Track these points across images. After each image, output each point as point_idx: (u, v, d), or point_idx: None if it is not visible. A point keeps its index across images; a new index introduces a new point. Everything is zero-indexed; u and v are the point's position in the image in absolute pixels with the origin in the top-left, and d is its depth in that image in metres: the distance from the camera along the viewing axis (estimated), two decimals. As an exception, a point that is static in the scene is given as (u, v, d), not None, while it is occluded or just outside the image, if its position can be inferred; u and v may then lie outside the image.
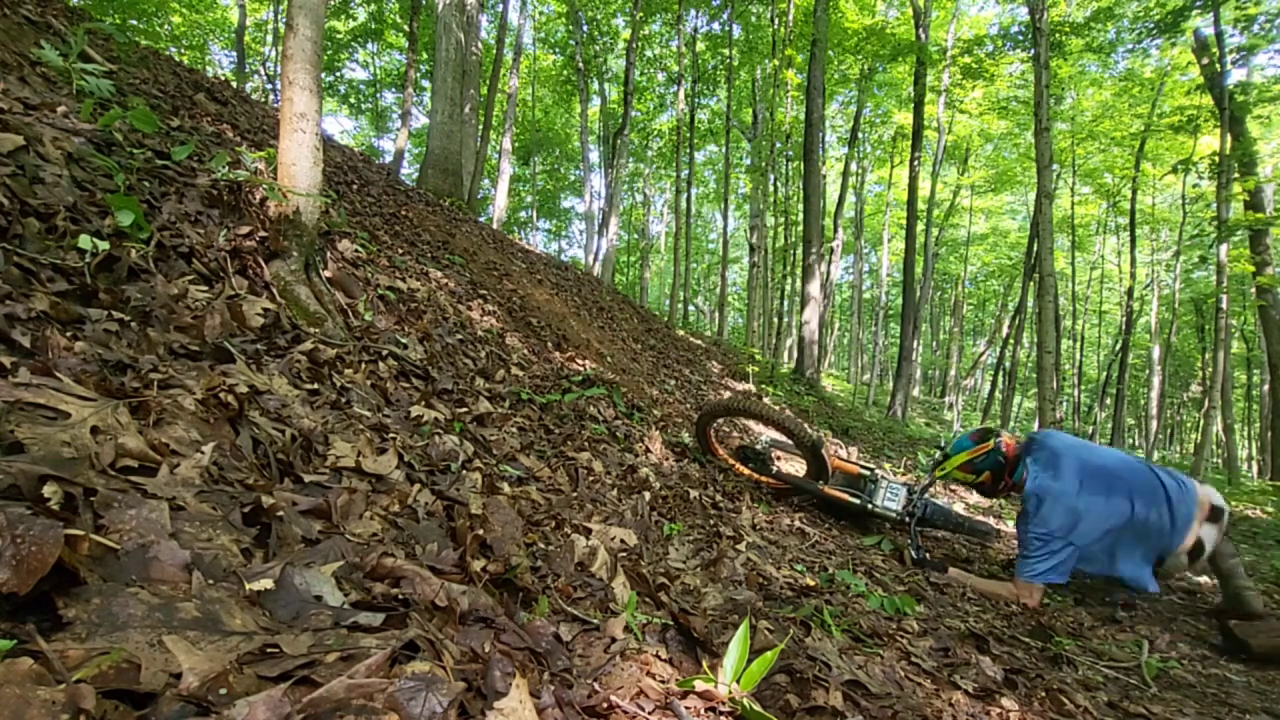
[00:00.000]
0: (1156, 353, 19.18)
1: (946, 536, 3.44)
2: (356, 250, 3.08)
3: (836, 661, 1.28)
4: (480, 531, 1.27)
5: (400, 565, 0.96)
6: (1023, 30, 11.03)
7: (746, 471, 3.45)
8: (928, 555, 2.77)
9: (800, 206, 12.46)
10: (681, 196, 12.87)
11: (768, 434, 4.29)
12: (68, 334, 1.24)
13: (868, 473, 3.24)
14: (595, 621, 1.14)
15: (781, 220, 15.70)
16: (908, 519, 2.94)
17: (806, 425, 4.40)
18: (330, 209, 3.16)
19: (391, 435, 1.64)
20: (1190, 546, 2.42)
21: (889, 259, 24.11)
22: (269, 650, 0.66)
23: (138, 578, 0.71)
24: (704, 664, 1.12)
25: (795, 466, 4.04)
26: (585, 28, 15.42)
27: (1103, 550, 2.45)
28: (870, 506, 3.01)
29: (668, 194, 24.97)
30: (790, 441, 3.30)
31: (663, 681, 1.01)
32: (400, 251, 3.95)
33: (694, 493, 2.64)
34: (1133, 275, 15.84)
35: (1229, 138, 7.90)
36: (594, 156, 19.53)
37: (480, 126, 9.91)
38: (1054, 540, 2.41)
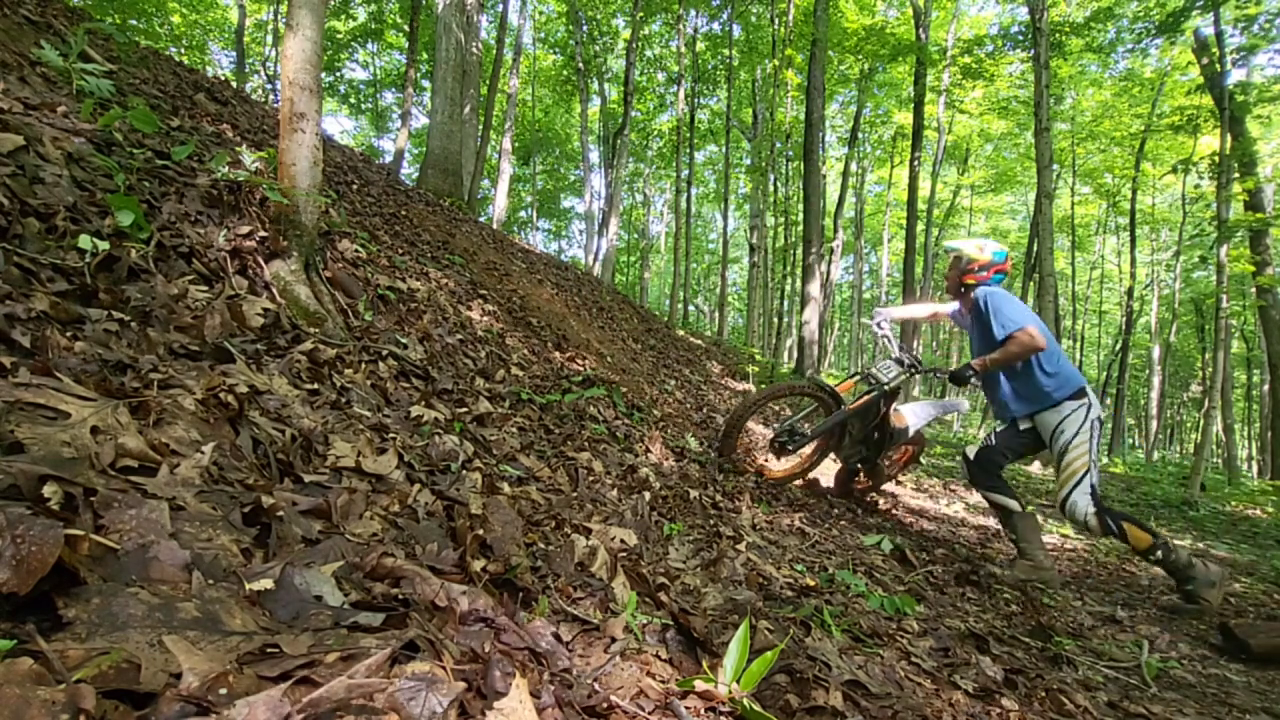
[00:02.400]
0: (1156, 353, 19.19)
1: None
2: (356, 250, 3.08)
3: (836, 661, 1.28)
4: (480, 531, 1.27)
5: (400, 565, 0.96)
6: (1023, 30, 11.03)
7: (792, 466, 3.65)
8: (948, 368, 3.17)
9: (800, 206, 12.46)
10: (681, 196, 12.87)
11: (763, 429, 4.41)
12: (68, 334, 1.24)
13: (860, 375, 3.65)
14: (595, 621, 1.14)
15: (781, 220, 15.72)
16: (914, 366, 3.41)
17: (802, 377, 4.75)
18: (330, 209, 3.16)
19: (391, 435, 1.64)
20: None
21: (889, 259, 24.12)
22: (269, 650, 0.66)
23: (138, 578, 0.71)
24: (704, 664, 1.12)
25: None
26: (585, 28, 15.42)
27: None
28: (885, 385, 3.39)
29: (668, 194, 24.96)
30: (805, 399, 3.67)
31: (663, 681, 1.01)
32: (400, 251, 3.95)
33: (694, 493, 2.64)
34: (1133, 275, 15.85)
35: (1229, 138, 7.89)
36: (594, 156, 19.54)
37: (480, 126, 9.92)
38: (1018, 309, 2.87)
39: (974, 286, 3.03)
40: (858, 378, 3.58)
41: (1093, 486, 2.77)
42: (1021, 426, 3.01)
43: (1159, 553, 2.74)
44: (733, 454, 3.46)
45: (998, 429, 3.09)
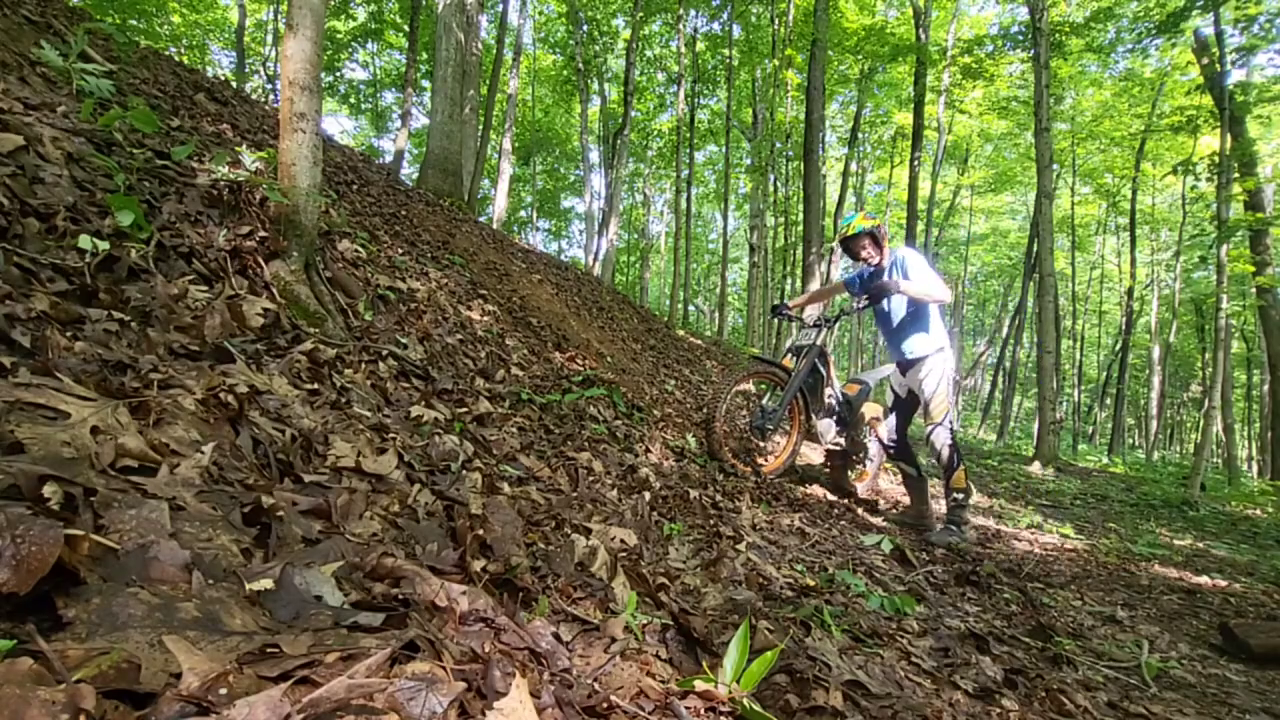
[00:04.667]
0: (1156, 353, 19.18)
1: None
2: (356, 250, 3.08)
3: (836, 661, 1.28)
4: (480, 531, 1.27)
5: (400, 565, 0.96)
6: (1023, 30, 11.02)
7: (781, 454, 3.97)
8: (858, 304, 3.72)
9: (800, 206, 12.46)
10: (681, 196, 12.86)
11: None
12: (68, 334, 1.24)
13: (789, 352, 4.12)
14: (595, 621, 1.14)
15: (781, 220, 15.71)
16: (826, 321, 3.91)
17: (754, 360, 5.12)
18: (330, 209, 3.16)
19: (391, 435, 1.64)
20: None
21: (889, 259, 24.02)
22: (269, 650, 0.66)
23: (138, 578, 0.71)
24: (704, 664, 1.12)
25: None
26: (585, 28, 15.40)
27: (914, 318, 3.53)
28: (813, 343, 3.90)
29: (668, 194, 24.91)
30: (763, 385, 4.14)
31: (663, 681, 1.01)
32: (400, 251, 3.95)
33: (694, 493, 2.64)
34: (1133, 275, 15.85)
35: (1229, 138, 7.89)
36: (594, 156, 19.51)
37: (480, 126, 9.90)
38: (930, 268, 3.42)
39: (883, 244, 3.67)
40: (790, 355, 4.06)
41: (951, 426, 3.46)
42: (903, 395, 3.65)
43: (961, 496, 3.43)
44: (719, 451, 3.60)
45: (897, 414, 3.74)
